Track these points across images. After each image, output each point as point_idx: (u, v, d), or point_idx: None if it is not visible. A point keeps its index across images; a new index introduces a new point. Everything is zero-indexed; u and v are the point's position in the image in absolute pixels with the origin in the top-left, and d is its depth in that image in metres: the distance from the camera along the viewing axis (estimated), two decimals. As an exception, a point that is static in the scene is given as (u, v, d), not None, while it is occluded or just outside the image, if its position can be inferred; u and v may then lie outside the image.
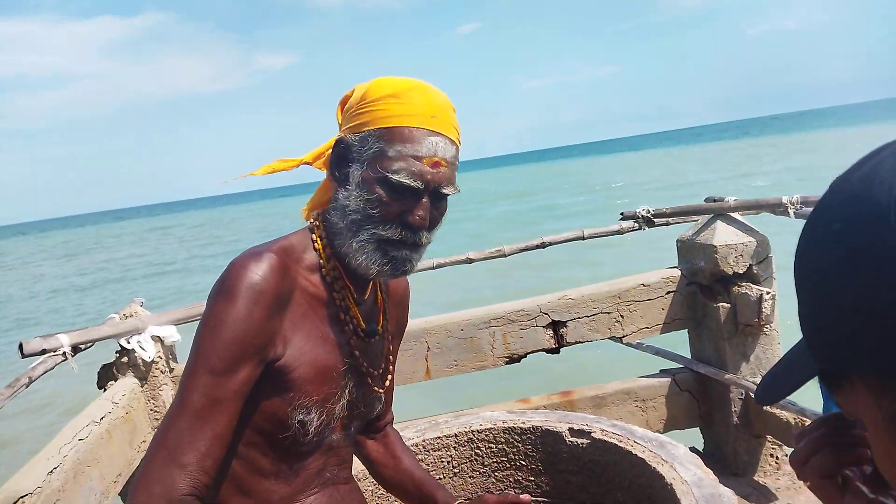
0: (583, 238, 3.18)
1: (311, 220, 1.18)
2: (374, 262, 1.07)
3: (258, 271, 0.99)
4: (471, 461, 2.21)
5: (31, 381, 2.04)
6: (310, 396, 1.06)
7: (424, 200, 1.06)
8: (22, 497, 1.54)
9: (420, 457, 2.17)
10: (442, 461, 2.20)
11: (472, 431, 2.20)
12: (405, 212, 1.06)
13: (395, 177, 1.03)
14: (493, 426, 2.20)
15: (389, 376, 1.24)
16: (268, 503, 1.08)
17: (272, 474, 1.08)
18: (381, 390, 1.21)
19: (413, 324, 3.01)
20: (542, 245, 3.18)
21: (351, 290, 1.15)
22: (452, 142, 1.09)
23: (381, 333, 1.22)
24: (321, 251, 1.13)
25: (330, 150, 1.15)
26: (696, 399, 3.07)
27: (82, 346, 2.29)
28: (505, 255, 3.20)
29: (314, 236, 1.14)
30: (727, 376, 2.86)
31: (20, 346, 2.26)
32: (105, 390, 2.42)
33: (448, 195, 1.11)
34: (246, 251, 1.04)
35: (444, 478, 2.20)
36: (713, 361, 2.98)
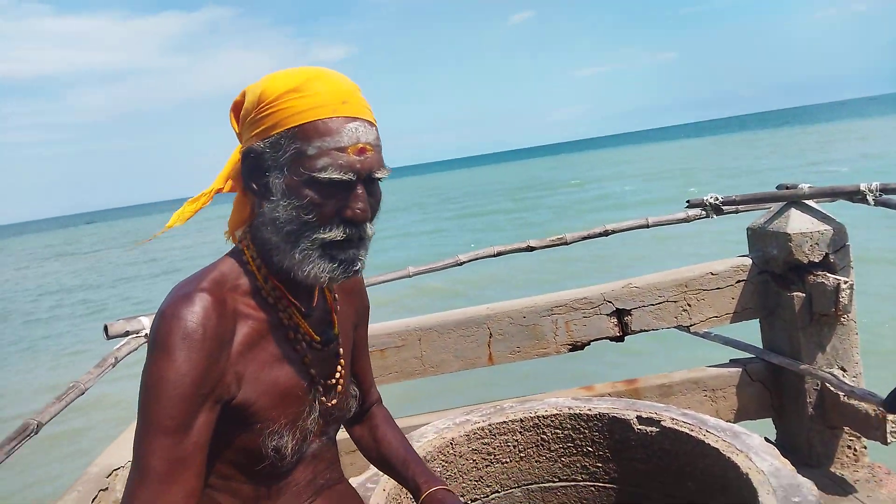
0: (647, 226, 3.12)
1: (239, 242, 1.10)
2: (322, 270, 0.99)
3: (192, 318, 0.91)
4: (537, 446, 2.22)
5: (117, 362, 2.15)
6: (277, 422, 1.02)
7: (359, 191, 0.99)
8: (115, 469, 1.64)
9: (486, 440, 2.20)
10: (508, 445, 2.21)
11: (538, 417, 2.21)
12: (342, 207, 0.99)
13: (324, 174, 0.96)
14: (558, 412, 2.20)
15: (341, 384, 1.16)
16: None
17: (262, 497, 1.05)
18: (332, 403, 1.13)
19: (475, 310, 3.03)
20: (605, 233, 3.14)
21: (297, 306, 1.08)
22: (371, 123, 1.02)
23: (335, 338, 1.16)
24: (257, 273, 1.05)
25: (236, 165, 1.08)
26: (768, 389, 2.99)
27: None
28: (567, 243, 3.18)
29: (245, 258, 1.06)
30: (802, 367, 2.77)
31: (105, 329, 2.39)
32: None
33: (381, 179, 1.03)
34: (175, 292, 0.96)
35: (511, 462, 2.22)
36: (786, 351, 2.89)
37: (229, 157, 1.11)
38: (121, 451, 1.79)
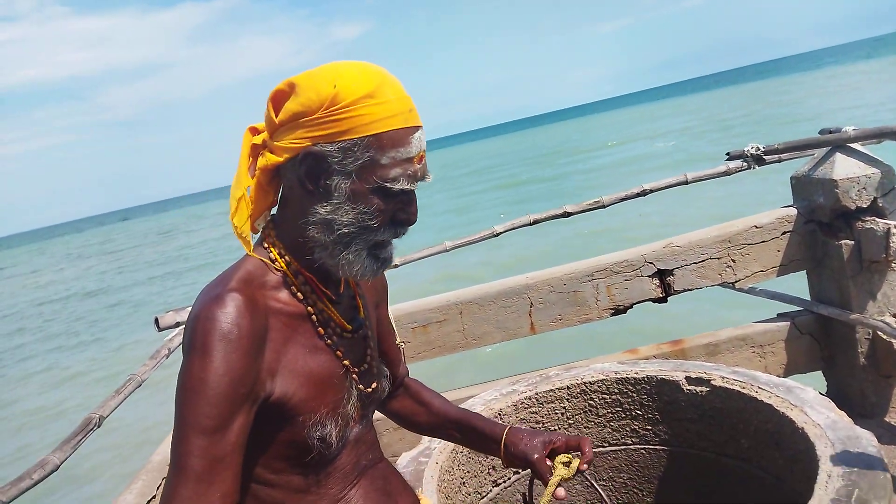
0: (686, 182, 3.05)
1: (263, 240, 1.10)
2: (366, 268, 1.03)
3: (225, 318, 0.91)
4: (585, 412, 2.22)
5: (170, 353, 2.21)
6: (318, 412, 1.03)
7: (415, 196, 1.05)
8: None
9: (533, 409, 2.21)
10: (556, 413, 2.22)
11: (585, 383, 2.20)
12: (398, 212, 1.03)
13: (395, 185, 0.99)
14: (605, 377, 2.19)
15: (374, 369, 1.19)
16: None
17: (313, 485, 1.07)
18: (370, 389, 1.16)
19: (514, 280, 3.02)
20: (643, 193, 3.09)
21: (328, 295, 1.10)
22: (422, 128, 1.05)
23: (363, 322, 1.18)
24: (286, 269, 1.06)
25: (248, 151, 1.07)
26: (817, 342, 2.93)
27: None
28: (604, 206, 3.14)
29: (273, 255, 1.07)
30: (853, 316, 2.70)
31: (156, 321, 2.46)
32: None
33: None
34: (205, 295, 0.97)
35: (559, 429, 2.22)
36: (836, 302, 2.82)
37: (241, 146, 1.08)
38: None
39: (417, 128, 1.02)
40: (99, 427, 1.72)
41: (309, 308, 1.06)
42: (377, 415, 1.32)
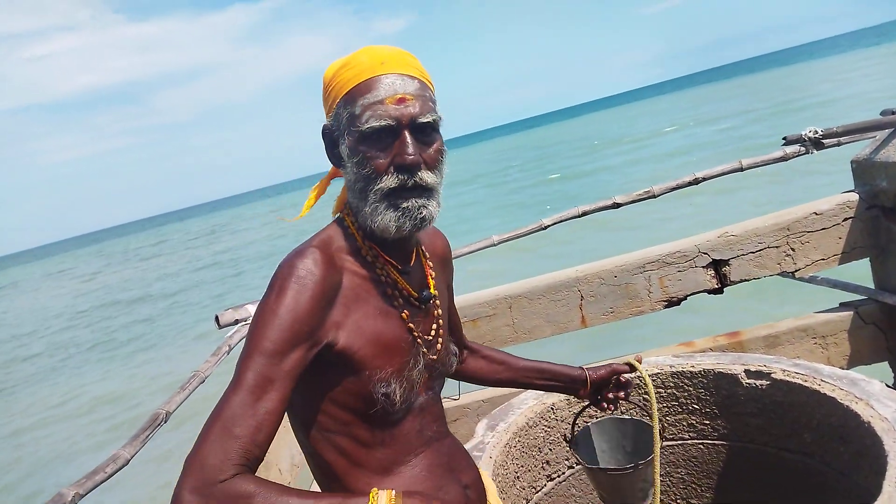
0: (741, 169, 2.97)
1: (341, 213, 1.21)
2: (390, 220, 1.08)
3: (303, 266, 1.03)
4: (639, 407, 2.19)
5: (230, 349, 2.28)
6: (384, 370, 1.10)
7: (406, 137, 1.07)
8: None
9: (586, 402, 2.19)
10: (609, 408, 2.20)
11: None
12: (395, 156, 1.07)
13: (366, 126, 1.06)
14: (659, 371, 2.16)
15: (441, 341, 1.24)
16: (381, 469, 1.14)
17: (377, 444, 1.14)
18: (436, 357, 1.22)
19: (564, 273, 3.00)
20: (695, 181, 3.02)
21: (393, 264, 1.17)
22: (411, 76, 1.10)
23: (432, 296, 1.23)
24: (356, 234, 1.15)
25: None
26: (882, 331, 2.81)
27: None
28: (655, 196, 3.08)
29: (347, 223, 1.17)
30: (921, 305, 2.59)
31: (216, 319, 2.54)
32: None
33: (430, 124, 1.10)
34: (292, 251, 1.08)
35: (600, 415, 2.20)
36: (902, 290, 2.71)
37: None
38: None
39: (390, 74, 1.08)
40: (166, 422, 1.79)
41: (379, 272, 1.15)
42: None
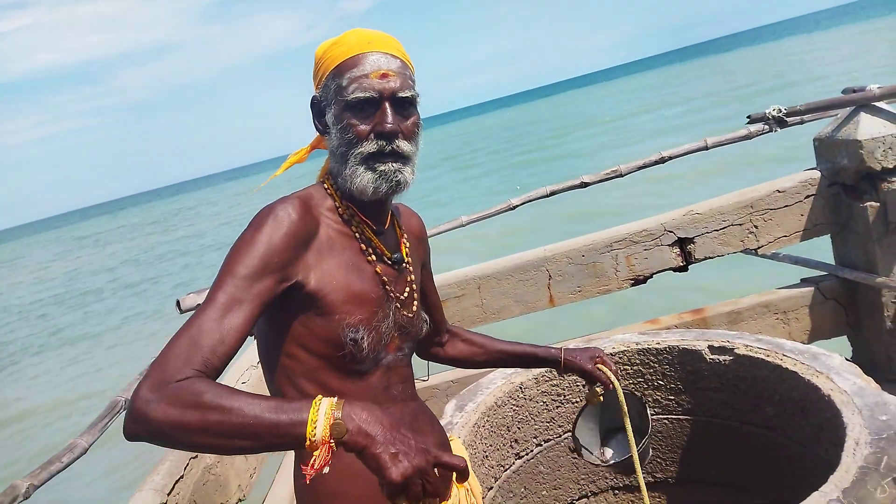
0: (706, 148, 2.99)
1: (323, 179, 1.31)
2: (368, 182, 1.18)
3: (281, 209, 1.12)
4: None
5: (191, 334, 2.23)
6: (353, 315, 1.17)
7: (386, 108, 1.18)
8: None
9: (554, 382, 2.20)
10: (577, 384, 2.21)
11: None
12: (375, 125, 1.18)
13: (351, 96, 1.17)
14: (626, 349, 2.18)
15: (415, 302, 1.32)
16: None
17: (342, 394, 1.14)
18: (408, 315, 1.30)
19: (532, 253, 3.00)
20: (661, 160, 3.03)
21: (368, 224, 1.26)
22: (394, 56, 1.22)
23: (404, 259, 1.32)
24: (334, 195, 1.25)
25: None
26: (842, 307, 2.88)
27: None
28: (622, 175, 3.09)
29: (325, 185, 1.27)
30: (879, 280, 2.65)
31: (178, 303, 2.47)
32: (255, 336, 2.61)
33: (408, 99, 1.21)
34: (274, 200, 1.17)
35: (581, 401, 2.22)
36: (861, 266, 2.77)
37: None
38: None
39: (375, 52, 1.20)
40: (125, 409, 1.74)
41: (353, 229, 1.24)
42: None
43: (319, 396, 0.94)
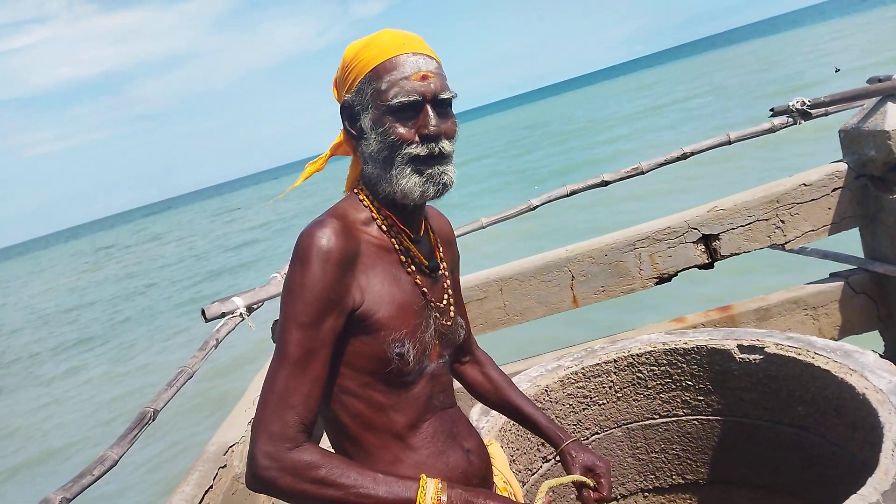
0: (728, 143, 2.94)
1: (354, 188, 1.29)
2: (415, 185, 1.17)
3: (324, 236, 1.11)
4: (633, 385, 2.19)
5: (218, 343, 2.25)
6: (398, 330, 1.17)
7: (428, 110, 1.17)
8: (231, 446, 1.73)
9: (580, 384, 2.18)
10: (603, 387, 2.19)
11: (632, 356, 2.16)
12: (419, 128, 1.17)
13: (395, 101, 1.15)
14: (652, 349, 2.15)
15: (452, 307, 1.32)
16: (392, 432, 1.21)
17: (389, 407, 1.21)
18: (447, 323, 1.29)
19: (554, 254, 2.98)
20: (684, 156, 2.99)
21: (407, 233, 1.25)
22: (430, 57, 1.21)
23: (441, 268, 1.33)
24: (371, 206, 1.24)
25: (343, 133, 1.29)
26: (873, 301, 2.82)
27: (254, 306, 2.48)
28: (643, 173, 3.05)
29: (360, 196, 1.25)
30: (911, 273, 2.59)
31: (203, 313, 2.49)
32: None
33: (448, 100, 1.21)
34: (310, 223, 1.16)
35: (608, 402, 2.20)
36: (892, 259, 2.71)
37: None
38: (234, 428, 1.88)
39: (413, 53, 1.19)
40: (154, 420, 1.76)
41: (392, 240, 1.23)
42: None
43: (424, 478, 1.07)
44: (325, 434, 1.30)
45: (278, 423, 1.03)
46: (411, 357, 1.19)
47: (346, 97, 1.23)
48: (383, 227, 1.23)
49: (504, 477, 1.41)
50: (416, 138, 1.17)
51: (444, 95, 1.19)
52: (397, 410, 1.21)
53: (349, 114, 1.25)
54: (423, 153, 1.17)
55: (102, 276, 31.76)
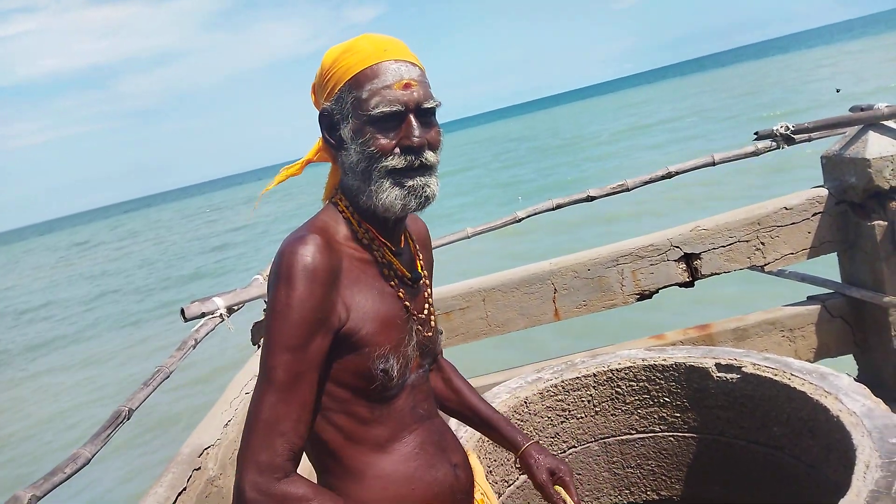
0: (713, 164, 2.99)
1: (332, 198, 1.25)
2: (395, 198, 1.12)
3: (307, 253, 1.06)
4: (612, 400, 2.20)
5: (196, 343, 2.22)
6: (383, 346, 1.14)
7: (411, 121, 1.12)
8: (206, 448, 1.71)
9: (559, 397, 2.19)
10: (582, 401, 2.20)
11: (611, 370, 2.18)
12: (401, 139, 1.12)
13: (376, 111, 1.11)
14: (632, 364, 2.16)
15: (432, 318, 1.30)
16: (377, 446, 1.18)
17: (373, 420, 1.17)
18: (429, 333, 1.27)
19: (538, 266, 2.99)
20: (668, 175, 3.03)
21: (388, 246, 1.22)
22: (413, 64, 1.16)
23: (423, 278, 1.29)
24: (351, 218, 1.19)
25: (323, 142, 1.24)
26: (849, 325, 2.87)
27: (235, 308, 2.46)
28: (628, 190, 3.08)
29: (340, 207, 1.21)
30: (886, 299, 2.64)
31: (182, 312, 2.47)
32: (259, 346, 2.60)
33: (432, 109, 1.16)
34: (289, 238, 1.12)
35: (586, 416, 2.21)
36: (868, 284, 2.76)
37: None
38: (209, 431, 1.86)
39: (395, 61, 1.14)
40: (129, 419, 1.73)
41: (375, 253, 1.19)
42: None
43: None
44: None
45: (267, 453, 1.00)
46: (395, 372, 1.16)
47: (325, 105, 1.19)
48: (364, 240, 1.19)
49: (482, 489, 1.40)
50: (397, 150, 1.13)
51: (427, 105, 1.14)
52: (381, 423, 1.18)
53: (328, 122, 1.20)
54: (401, 165, 1.12)
55: (74, 273, 31.25)
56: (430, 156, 1.15)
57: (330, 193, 1.27)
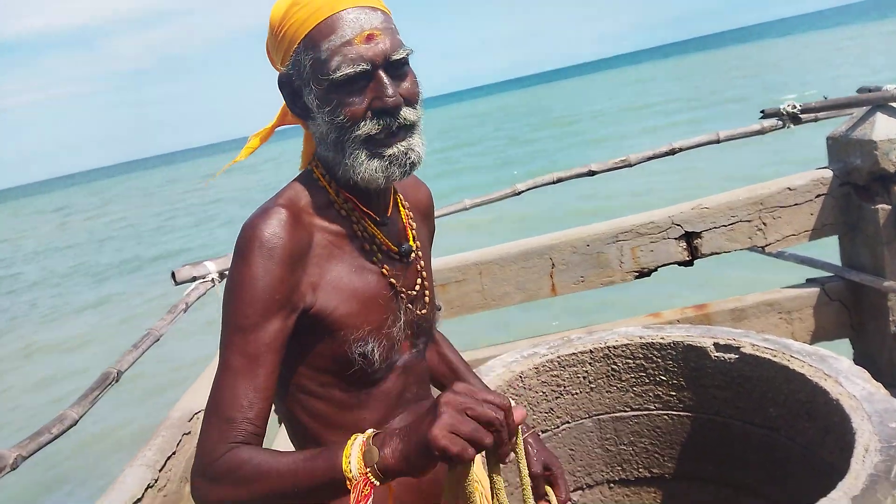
0: (717, 141, 2.94)
1: (310, 164, 1.14)
2: (375, 170, 1.02)
3: (267, 229, 0.98)
4: (607, 376, 2.18)
5: (187, 307, 2.19)
6: (360, 328, 1.05)
7: (381, 77, 0.99)
8: (196, 413, 1.68)
9: (554, 372, 2.17)
10: (577, 377, 2.18)
11: (608, 347, 2.16)
12: (373, 100, 0.99)
13: (339, 73, 0.97)
14: (629, 342, 2.14)
15: (427, 293, 1.19)
16: (359, 430, 1.09)
17: (355, 406, 1.10)
18: (422, 311, 1.17)
19: (536, 240, 2.96)
20: (672, 151, 2.98)
21: (371, 216, 1.10)
22: (373, 8, 1.01)
23: (412, 249, 1.17)
24: (328, 187, 1.09)
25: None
26: (847, 309, 2.85)
27: (227, 272, 2.42)
28: (631, 165, 3.04)
29: (316, 175, 1.10)
30: (886, 283, 2.62)
31: (172, 275, 2.43)
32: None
33: (403, 59, 1.02)
34: (255, 211, 1.03)
35: (581, 393, 2.19)
36: (868, 268, 2.73)
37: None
38: (199, 395, 1.84)
39: (351, 9, 0.98)
40: (117, 382, 1.70)
41: (354, 226, 1.08)
42: None
43: (354, 436, 0.89)
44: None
45: (213, 439, 0.93)
46: (376, 356, 1.07)
47: (282, 70, 1.05)
48: (342, 211, 1.08)
49: (476, 476, 1.37)
50: (369, 114, 0.99)
51: (396, 55, 0.99)
52: (364, 408, 1.10)
53: (290, 90, 1.06)
54: (375, 131, 1.00)
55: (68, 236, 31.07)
56: (408, 113, 1.02)
57: (307, 159, 1.16)
